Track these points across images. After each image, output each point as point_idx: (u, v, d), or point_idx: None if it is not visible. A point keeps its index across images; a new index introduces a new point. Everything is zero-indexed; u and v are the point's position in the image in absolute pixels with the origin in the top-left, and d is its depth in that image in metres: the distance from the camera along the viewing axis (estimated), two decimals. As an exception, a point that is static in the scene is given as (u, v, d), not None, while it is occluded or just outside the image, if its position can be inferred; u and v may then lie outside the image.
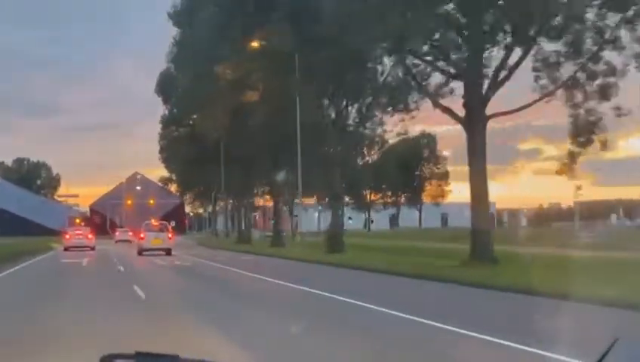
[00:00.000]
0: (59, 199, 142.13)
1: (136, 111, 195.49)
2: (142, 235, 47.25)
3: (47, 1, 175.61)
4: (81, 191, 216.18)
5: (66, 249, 54.20)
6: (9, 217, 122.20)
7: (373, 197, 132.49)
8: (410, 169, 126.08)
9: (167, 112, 76.63)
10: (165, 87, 71.79)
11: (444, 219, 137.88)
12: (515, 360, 10.69)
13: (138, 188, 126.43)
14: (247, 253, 51.55)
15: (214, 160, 68.96)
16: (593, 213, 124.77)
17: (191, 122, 67.34)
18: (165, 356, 2.26)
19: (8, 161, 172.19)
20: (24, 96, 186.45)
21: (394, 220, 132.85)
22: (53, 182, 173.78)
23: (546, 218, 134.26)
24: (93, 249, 54.20)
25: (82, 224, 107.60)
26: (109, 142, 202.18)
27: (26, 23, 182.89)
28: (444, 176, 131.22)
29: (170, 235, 47.23)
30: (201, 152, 68.81)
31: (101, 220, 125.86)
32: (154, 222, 53.96)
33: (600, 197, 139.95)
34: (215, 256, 47.84)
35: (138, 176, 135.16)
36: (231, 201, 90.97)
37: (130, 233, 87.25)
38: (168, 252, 45.99)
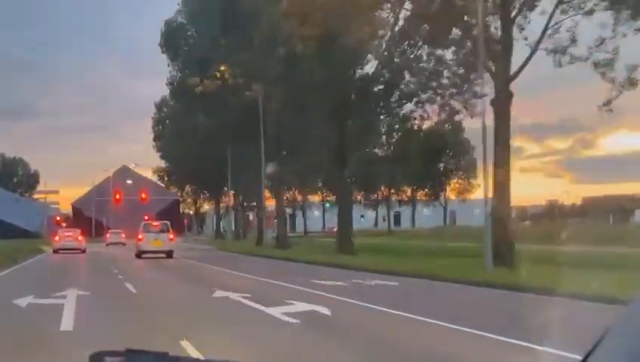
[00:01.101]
0: (37, 198, 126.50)
1: (123, 113, 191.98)
2: (140, 236, 44.98)
3: (32, 4, 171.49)
4: (63, 193, 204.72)
5: (55, 251, 53.71)
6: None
7: (386, 193, 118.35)
8: (431, 161, 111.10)
9: (176, 72, 60.76)
10: (173, 40, 56.50)
11: (452, 218, 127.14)
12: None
13: (129, 181, 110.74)
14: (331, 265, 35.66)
15: (239, 134, 54.22)
16: (597, 210, 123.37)
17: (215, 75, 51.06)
18: (155, 353, 2.25)
19: None
20: (7, 97, 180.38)
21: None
22: (32, 180, 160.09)
23: (549, 215, 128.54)
24: (84, 251, 53.48)
25: (64, 224, 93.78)
26: (94, 144, 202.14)
27: (10, 25, 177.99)
28: (472, 169, 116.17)
29: (171, 236, 45.29)
30: (220, 124, 54.17)
31: (85, 220, 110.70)
32: (154, 222, 52.11)
33: (590, 194, 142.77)
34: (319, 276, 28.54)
35: (128, 169, 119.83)
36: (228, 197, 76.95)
37: (124, 235, 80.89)
38: (169, 254, 43.99)
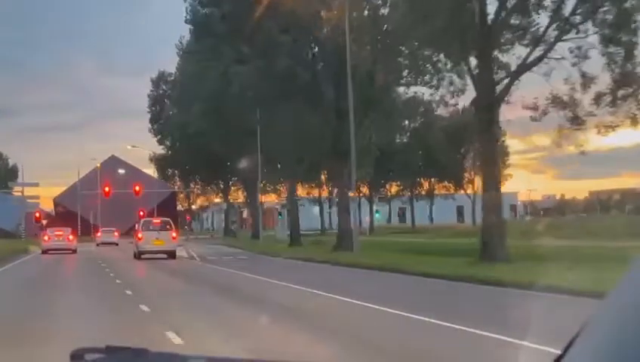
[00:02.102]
0: (15, 193, 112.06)
1: (102, 112, 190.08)
2: (140, 235, 42.36)
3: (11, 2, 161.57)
4: (42, 191, 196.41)
5: (44, 252, 52.40)
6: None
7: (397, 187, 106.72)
8: (452, 150, 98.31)
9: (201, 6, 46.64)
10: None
11: (460, 213, 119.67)
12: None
13: (121, 171, 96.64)
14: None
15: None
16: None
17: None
18: (134, 349, 2.31)
19: None
20: None
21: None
22: (9, 175, 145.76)
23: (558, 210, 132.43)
24: (74, 252, 52.52)
25: (44, 222, 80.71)
26: (73, 143, 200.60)
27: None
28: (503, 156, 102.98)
29: (174, 234, 43.28)
30: (266, 74, 40.85)
31: (69, 217, 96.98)
32: (154, 218, 49.87)
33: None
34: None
35: (118, 160, 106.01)
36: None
37: (117, 233, 74.95)
38: (171, 255, 41.36)
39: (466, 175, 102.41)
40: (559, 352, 1.51)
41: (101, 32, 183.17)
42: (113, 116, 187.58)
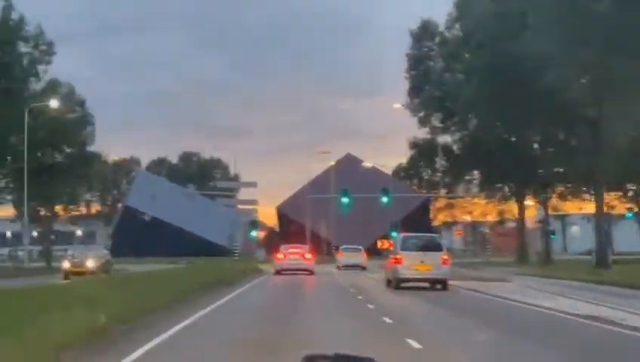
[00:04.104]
0: (240, 207, 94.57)
1: (326, 132, 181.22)
2: (398, 256, 33.51)
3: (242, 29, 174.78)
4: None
5: (277, 272, 48.25)
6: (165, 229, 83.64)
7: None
8: None
9: None
10: None
11: None
12: None
13: (366, 164, 74.74)
14: None
15: None
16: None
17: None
18: (361, 358, 2.44)
19: (173, 158, 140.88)
20: (210, 120, 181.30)
21: None
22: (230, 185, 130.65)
23: None
24: (312, 273, 48.04)
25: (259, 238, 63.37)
26: (300, 164, 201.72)
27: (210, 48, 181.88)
28: None
29: (444, 256, 33.89)
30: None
31: (294, 230, 77.57)
32: (416, 234, 38.87)
33: None
34: None
35: (356, 160, 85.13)
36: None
37: (364, 254, 58.54)
38: (444, 285, 33.32)
39: None
40: None
41: (325, 54, 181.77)
42: (340, 136, 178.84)
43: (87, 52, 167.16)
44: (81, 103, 64.95)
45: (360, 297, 28.43)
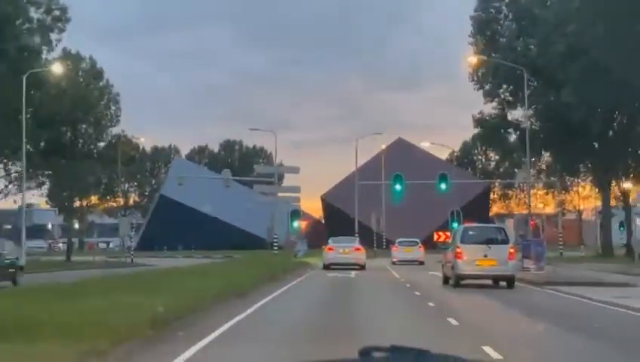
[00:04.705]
0: (281, 195, 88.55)
1: (374, 126, 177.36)
2: (459, 249, 30.98)
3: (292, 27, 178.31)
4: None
5: (326, 267, 46.27)
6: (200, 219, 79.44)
7: None
8: None
9: None
10: None
11: None
12: None
13: (424, 143, 67.50)
14: None
15: None
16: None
17: None
18: (418, 350, 2.45)
19: (214, 146, 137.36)
20: (256, 112, 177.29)
21: None
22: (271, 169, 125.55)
23: None
24: (363, 268, 45.78)
25: (301, 230, 58.42)
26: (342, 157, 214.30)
27: (269, 44, 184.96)
28: None
29: (511, 249, 31.93)
30: None
31: (340, 220, 71.19)
32: (479, 224, 38.87)
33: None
34: None
35: (408, 144, 78.18)
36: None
37: (421, 248, 53.83)
38: (509, 281, 31.03)
39: None
40: None
41: (369, 48, 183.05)
42: (381, 130, 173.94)
43: (135, 48, 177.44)
44: (102, 77, 58.84)
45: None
